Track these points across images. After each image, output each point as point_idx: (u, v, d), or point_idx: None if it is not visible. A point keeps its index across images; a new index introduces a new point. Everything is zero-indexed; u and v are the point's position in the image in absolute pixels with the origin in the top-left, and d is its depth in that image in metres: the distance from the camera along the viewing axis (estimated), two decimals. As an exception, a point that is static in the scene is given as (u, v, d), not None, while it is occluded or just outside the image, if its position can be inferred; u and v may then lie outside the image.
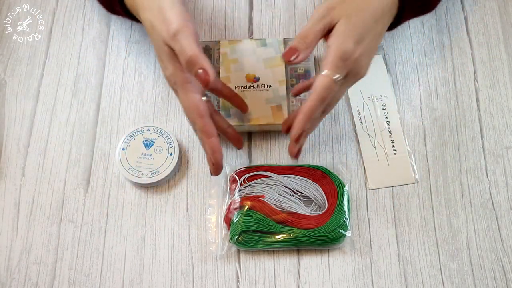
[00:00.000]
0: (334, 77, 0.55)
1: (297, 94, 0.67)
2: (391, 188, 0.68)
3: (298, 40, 0.57)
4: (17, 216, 0.68)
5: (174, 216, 0.67)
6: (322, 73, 0.56)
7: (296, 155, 0.63)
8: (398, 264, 0.64)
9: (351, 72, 0.58)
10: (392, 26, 0.65)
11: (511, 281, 0.63)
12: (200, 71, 0.53)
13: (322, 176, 0.67)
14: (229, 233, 0.64)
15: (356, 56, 0.56)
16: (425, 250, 0.65)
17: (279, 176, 0.67)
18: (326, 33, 0.58)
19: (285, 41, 0.72)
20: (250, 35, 0.77)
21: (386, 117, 0.72)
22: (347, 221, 0.64)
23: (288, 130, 0.63)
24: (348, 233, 0.64)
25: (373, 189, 0.68)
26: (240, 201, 0.65)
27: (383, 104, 0.72)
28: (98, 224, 0.67)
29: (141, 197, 0.68)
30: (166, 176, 0.67)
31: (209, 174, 0.69)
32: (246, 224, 0.64)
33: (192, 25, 0.56)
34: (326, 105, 0.59)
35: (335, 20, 0.57)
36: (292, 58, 0.56)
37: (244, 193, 0.66)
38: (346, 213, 0.65)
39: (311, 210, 0.66)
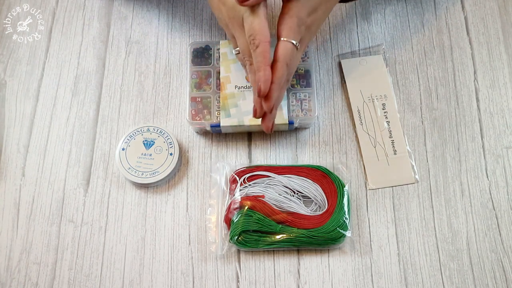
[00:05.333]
0: (294, 42, 0.59)
1: None
2: (391, 188, 0.68)
3: None
4: (17, 216, 0.68)
5: (174, 216, 0.67)
6: (283, 39, 0.59)
7: (272, 128, 0.63)
8: (398, 264, 0.64)
9: (303, 38, 0.61)
10: None
11: (511, 281, 0.63)
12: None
13: (322, 176, 0.67)
14: (229, 233, 0.64)
15: (309, 23, 0.60)
16: (425, 250, 0.65)
17: (279, 176, 0.67)
18: None
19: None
20: (250, 35, 0.77)
21: (386, 117, 0.72)
22: (347, 221, 0.64)
23: (259, 113, 0.62)
24: (348, 233, 0.64)
25: (373, 189, 0.68)
26: (240, 201, 0.65)
27: (383, 104, 0.72)
28: (98, 224, 0.67)
29: (141, 197, 0.68)
30: (166, 176, 0.67)
31: (209, 174, 0.69)
32: (246, 224, 0.64)
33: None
34: (288, 71, 0.61)
35: None
36: (246, 2, 0.58)
37: (244, 193, 0.66)
38: (346, 213, 0.65)
39: (311, 210, 0.66)
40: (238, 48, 0.63)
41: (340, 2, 0.69)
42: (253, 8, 0.58)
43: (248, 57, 0.60)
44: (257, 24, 0.58)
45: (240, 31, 0.60)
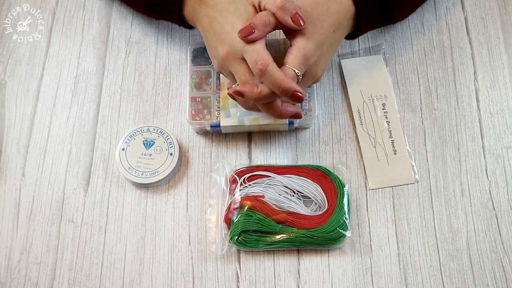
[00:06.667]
0: (297, 72, 0.60)
1: None
2: (391, 188, 0.68)
3: (258, 21, 0.60)
4: (17, 216, 0.68)
5: (174, 216, 0.67)
6: (287, 66, 0.60)
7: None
8: (398, 264, 0.64)
9: (309, 72, 0.62)
10: (353, 36, 0.69)
11: (511, 281, 0.63)
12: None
13: (322, 176, 0.67)
14: (229, 233, 0.64)
15: (315, 59, 0.61)
16: (425, 250, 0.65)
17: (279, 176, 0.67)
18: (286, 29, 0.62)
19: (285, 41, 0.72)
20: (250, 35, 0.77)
21: (386, 117, 0.72)
22: (347, 221, 0.64)
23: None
24: (348, 233, 0.64)
25: (373, 189, 0.68)
26: (240, 201, 0.65)
27: (383, 104, 0.72)
28: (98, 224, 0.67)
29: (141, 197, 0.68)
30: (166, 176, 0.67)
31: (209, 174, 0.69)
32: (246, 224, 0.64)
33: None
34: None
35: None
36: (249, 35, 0.59)
37: (244, 193, 0.66)
38: (346, 213, 0.65)
39: (311, 210, 0.66)
40: (234, 85, 0.63)
41: (346, 39, 0.70)
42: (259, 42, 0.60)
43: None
44: (261, 49, 0.59)
45: (238, 65, 0.60)
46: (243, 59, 0.60)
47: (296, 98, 0.59)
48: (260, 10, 0.62)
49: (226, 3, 0.62)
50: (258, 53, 0.59)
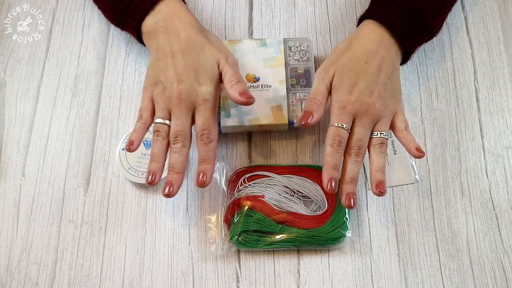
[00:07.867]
0: (339, 125, 0.61)
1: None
2: (391, 188, 0.68)
3: (309, 103, 0.63)
4: (17, 216, 0.68)
5: (174, 216, 0.67)
6: (330, 124, 0.61)
7: (347, 199, 0.60)
8: (398, 264, 0.64)
9: (359, 112, 0.61)
10: (405, 59, 0.67)
11: (511, 281, 0.63)
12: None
13: (322, 176, 0.67)
14: (229, 233, 0.64)
15: (354, 100, 0.61)
16: (425, 250, 0.65)
17: (279, 176, 0.67)
18: (330, 89, 0.63)
19: (285, 41, 0.72)
20: (250, 35, 0.77)
21: (386, 117, 0.72)
22: (347, 221, 0.64)
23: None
24: (348, 233, 0.64)
25: (373, 189, 0.68)
26: (240, 201, 0.65)
27: (383, 104, 0.72)
28: (98, 224, 0.67)
29: (141, 197, 0.68)
30: (166, 176, 0.67)
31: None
32: (246, 224, 0.64)
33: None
34: (352, 147, 0.61)
35: (332, 77, 0.63)
36: (309, 120, 0.62)
37: (244, 193, 0.66)
38: (346, 213, 0.65)
39: (311, 210, 0.66)
40: (164, 121, 0.62)
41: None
42: (214, 108, 0.62)
43: (183, 138, 0.61)
44: (214, 123, 0.62)
45: (182, 112, 0.61)
46: (190, 110, 0.61)
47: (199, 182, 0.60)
48: (221, 77, 0.63)
49: (196, 47, 0.62)
50: (211, 125, 0.61)
